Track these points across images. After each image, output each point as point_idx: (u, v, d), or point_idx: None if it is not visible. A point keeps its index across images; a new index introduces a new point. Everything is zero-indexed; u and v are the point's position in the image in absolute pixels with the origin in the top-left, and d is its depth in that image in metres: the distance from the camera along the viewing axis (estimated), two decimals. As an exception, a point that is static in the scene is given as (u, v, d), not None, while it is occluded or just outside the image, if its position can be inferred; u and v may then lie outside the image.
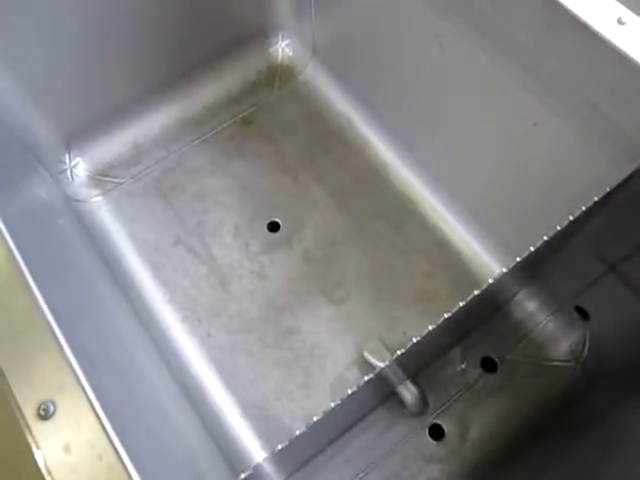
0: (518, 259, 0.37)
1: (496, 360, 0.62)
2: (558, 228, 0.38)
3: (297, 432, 0.32)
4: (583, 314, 0.59)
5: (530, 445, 0.56)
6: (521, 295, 0.63)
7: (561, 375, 0.60)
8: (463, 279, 0.65)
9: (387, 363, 0.37)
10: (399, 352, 0.36)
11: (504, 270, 0.38)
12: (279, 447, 0.32)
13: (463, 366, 0.61)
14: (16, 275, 0.37)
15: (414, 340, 0.36)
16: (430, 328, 0.36)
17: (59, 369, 0.31)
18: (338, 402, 0.34)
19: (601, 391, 0.56)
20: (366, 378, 0.35)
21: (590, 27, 0.39)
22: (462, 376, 0.61)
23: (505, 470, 0.55)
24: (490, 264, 0.65)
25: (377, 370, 0.35)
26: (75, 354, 0.32)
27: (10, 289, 0.36)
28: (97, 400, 0.31)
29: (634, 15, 0.39)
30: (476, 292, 0.37)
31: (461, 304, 0.37)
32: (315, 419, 0.33)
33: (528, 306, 0.63)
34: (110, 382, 0.37)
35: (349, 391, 0.34)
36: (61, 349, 0.32)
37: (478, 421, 0.59)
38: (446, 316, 0.37)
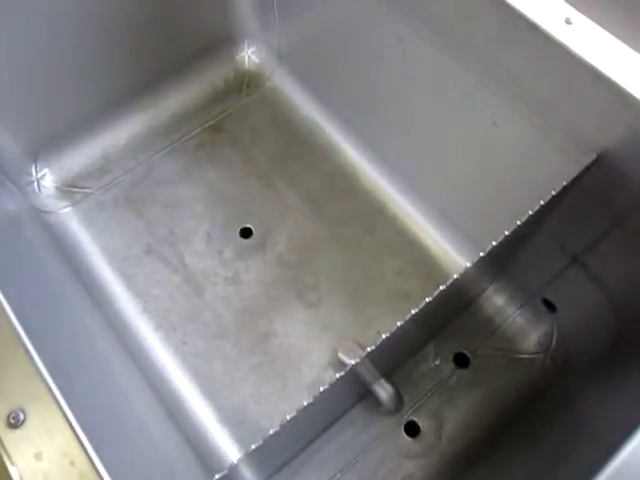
0: (482, 254, 0.38)
1: (468, 355, 0.63)
2: (518, 223, 0.39)
3: (270, 431, 0.33)
4: (550, 306, 0.61)
5: (504, 436, 0.58)
6: (490, 290, 0.65)
7: (531, 367, 0.62)
8: (434, 277, 0.67)
9: (357, 360, 0.38)
10: (369, 349, 0.37)
11: (468, 265, 0.39)
12: (253, 447, 0.32)
13: (437, 362, 0.62)
14: (-17, 287, 0.37)
15: (383, 336, 0.37)
16: (399, 324, 0.37)
17: (28, 377, 0.31)
18: (311, 401, 0.34)
19: (569, 380, 0.58)
20: (337, 376, 0.35)
21: (540, 27, 0.40)
22: (436, 372, 0.62)
23: (480, 462, 0.57)
24: (460, 261, 0.67)
25: (348, 368, 0.36)
26: (45, 362, 0.32)
27: (-23, 301, 0.36)
28: (68, 407, 0.31)
29: (581, 15, 0.41)
30: (442, 287, 0.38)
31: (428, 300, 0.38)
32: (288, 417, 0.33)
33: (497, 301, 0.65)
34: (82, 390, 0.36)
35: (321, 389, 0.34)
36: (30, 357, 0.32)
37: (452, 416, 0.60)
38: (414, 312, 0.38)
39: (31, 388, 0.31)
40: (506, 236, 0.39)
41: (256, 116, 0.78)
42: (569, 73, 0.41)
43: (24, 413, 0.30)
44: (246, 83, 0.80)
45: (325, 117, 0.76)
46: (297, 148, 0.76)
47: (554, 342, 0.61)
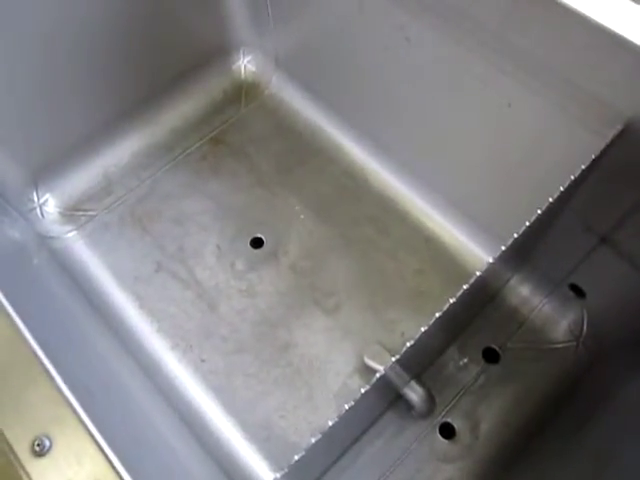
0: (515, 235, 0.37)
1: (497, 350, 0.61)
2: (550, 200, 0.37)
3: (313, 440, 0.31)
4: (578, 291, 0.58)
5: (543, 431, 0.55)
6: (514, 281, 0.63)
7: (564, 356, 0.60)
8: (454, 272, 0.65)
9: (389, 364, 0.35)
10: (403, 350, 0.35)
11: (503, 248, 0.37)
12: (296, 457, 0.30)
13: (465, 360, 0.60)
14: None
15: (410, 343, 0.35)
16: (423, 329, 0.35)
17: (51, 401, 0.29)
18: (352, 403, 0.32)
19: (606, 366, 0.56)
20: (378, 375, 0.33)
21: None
22: (465, 370, 0.60)
23: (521, 460, 0.54)
24: (478, 253, 0.65)
25: (388, 365, 0.34)
26: (68, 384, 0.30)
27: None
28: (97, 431, 0.29)
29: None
30: (465, 287, 0.36)
31: (451, 301, 0.36)
32: (330, 423, 0.31)
33: (522, 291, 0.63)
34: (106, 414, 0.34)
35: (362, 390, 0.32)
36: (52, 380, 0.30)
37: (487, 414, 0.58)
38: (438, 315, 0.36)
39: (55, 412, 0.28)
40: (537, 216, 0.37)
41: (257, 124, 0.76)
42: (586, 41, 0.39)
43: (49, 439, 0.28)
44: (244, 92, 0.79)
45: (327, 119, 0.75)
46: (301, 153, 0.74)
47: (585, 328, 0.59)
